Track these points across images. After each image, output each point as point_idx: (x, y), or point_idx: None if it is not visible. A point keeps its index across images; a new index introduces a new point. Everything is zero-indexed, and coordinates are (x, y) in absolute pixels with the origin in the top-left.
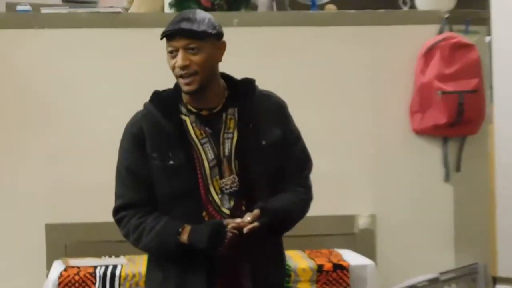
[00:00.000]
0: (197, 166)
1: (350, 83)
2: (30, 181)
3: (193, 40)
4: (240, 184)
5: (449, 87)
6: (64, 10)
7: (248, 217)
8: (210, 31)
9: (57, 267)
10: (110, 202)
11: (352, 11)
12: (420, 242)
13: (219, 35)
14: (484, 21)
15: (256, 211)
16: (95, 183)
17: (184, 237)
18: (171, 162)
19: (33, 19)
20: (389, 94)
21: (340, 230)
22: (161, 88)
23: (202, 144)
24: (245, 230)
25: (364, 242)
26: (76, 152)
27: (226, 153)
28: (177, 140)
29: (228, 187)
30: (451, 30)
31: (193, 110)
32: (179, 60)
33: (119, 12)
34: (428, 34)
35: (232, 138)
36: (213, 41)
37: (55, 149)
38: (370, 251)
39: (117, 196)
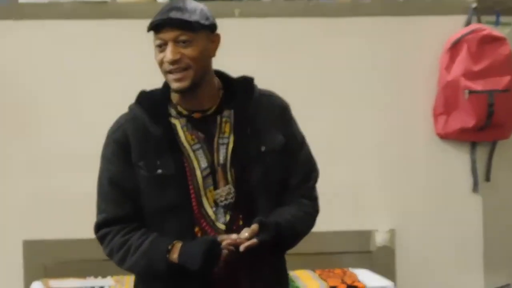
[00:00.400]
0: (189, 176)
1: (365, 82)
2: (5, 191)
3: (184, 32)
4: (236, 195)
5: (477, 85)
6: None
7: (245, 233)
8: (203, 22)
9: None
10: (95, 216)
11: (368, 0)
12: (445, 260)
13: (213, 26)
14: None
15: (255, 226)
16: (79, 194)
17: (174, 255)
18: (160, 171)
19: (10, 9)
20: (410, 94)
21: (355, 247)
22: (153, 86)
23: (194, 151)
24: (241, 248)
25: (382, 261)
26: (58, 158)
27: (221, 161)
28: (166, 146)
29: (223, 199)
30: (479, 22)
31: (184, 112)
32: (168, 53)
33: (106, 1)
34: (454, 27)
35: (227, 144)
36: (207, 33)
37: (35, 155)
38: (388, 270)
39: (99, 211)
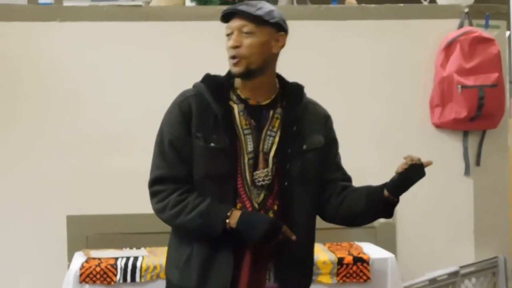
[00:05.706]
0: (239, 154)
1: (370, 78)
2: (52, 172)
3: (248, 23)
4: (274, 181)
5: (469, 81)
6: (86, 3)
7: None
8: (267, 18)
9: (79, 258)
10: (131, 194)
11: (372, 5)
12: (440, 235)
13: (278, 26)
14: (504, 15)
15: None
16: (116, 175)
17: (232, 221)
18: (214, 144)
19: (56, 12)
20: (410, 88)
21: None
22: (182, 79)
23: (244, 135)
24: (293, 237)
25: (385, 235)
26: (97, 143)
27: (265, 149)
28: (223, 125)
29: (261, 179)
30: (471, 25)
31: (242, 96)
32: (231, 40)
33: (140, 5)
34: (448, 29)
35: (274, 137)
36: (271, 30)
37: (76, 140)
38: (390, 244)
39: (156, 166)
